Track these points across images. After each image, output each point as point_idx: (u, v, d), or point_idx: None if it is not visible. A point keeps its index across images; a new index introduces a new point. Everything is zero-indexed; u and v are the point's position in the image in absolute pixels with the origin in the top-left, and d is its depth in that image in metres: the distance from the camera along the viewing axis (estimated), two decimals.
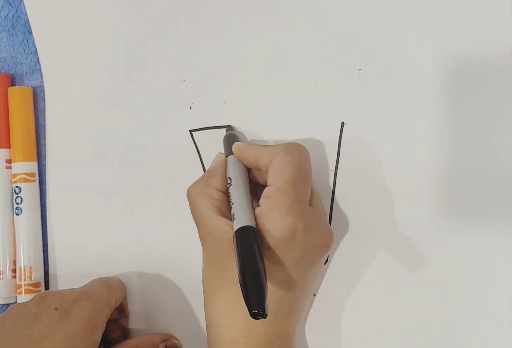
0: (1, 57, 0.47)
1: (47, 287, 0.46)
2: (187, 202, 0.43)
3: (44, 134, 0.46)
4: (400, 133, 0.38)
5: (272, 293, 0.33)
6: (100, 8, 0.44)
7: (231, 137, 0.39)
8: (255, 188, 0.38)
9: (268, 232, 0.32)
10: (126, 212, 0.44)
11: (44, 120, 0.46)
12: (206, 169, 0.42)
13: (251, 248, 0.30)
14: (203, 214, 0.35)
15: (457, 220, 0.37)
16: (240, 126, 0.42)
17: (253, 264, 0.30)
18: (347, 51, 0.39)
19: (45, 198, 0.46)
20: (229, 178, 0.36)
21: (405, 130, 0.38)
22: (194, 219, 0.36)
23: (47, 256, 0.46)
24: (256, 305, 0.28)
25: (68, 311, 0.37)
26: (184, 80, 0.43)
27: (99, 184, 0.45)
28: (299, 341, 0.39)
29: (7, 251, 0.45)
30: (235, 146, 0.37)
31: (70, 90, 0.45)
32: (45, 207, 0.46)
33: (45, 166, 0.46)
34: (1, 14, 0.47)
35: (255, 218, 0.33)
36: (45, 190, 0.46)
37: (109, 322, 0.40)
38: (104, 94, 0.45)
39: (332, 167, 0.39)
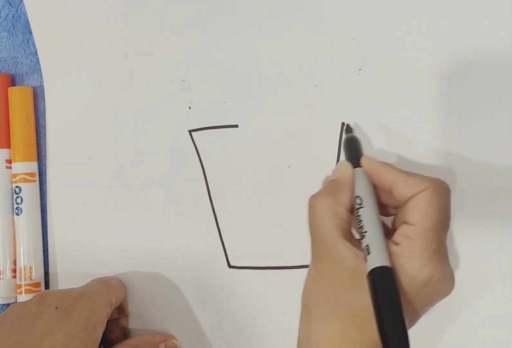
0: (1, 57, 0.47)
1: (47, 287, 0.46)
2: (187, 202, 0.43)
3: (44, 134, 0.46)
4: (400, 133, 0.38)
5: None
6: (99, 8, 0.44)
7: (354, 143, 0.36)
8: None
9: (406, 276, 0.30)
10: (126, 212, 0.44)
11: (44, 120, 0.46)
12: (205, 169, 0.42)
13: (393, 293, 0.29)
14: (326, 233, 0.32)
15: (457, 220, 0.37)
16: (239, 126, 0.42)
17: (397, 314, 0.28)
18: (347, 51, 0.39)
19: (45, 198, 0.46)
20: (358, 196, 0.32)
21: (405, 130, 0.38)
22: (312, 233, 0.33)
23: (47, 256, 0.46)
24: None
25: (68, 310, 0.37)
26: (184, 80, 0.43)
27: (99, 184, 0.45)
28: None
29: (7, 251, 0.45)
30: (367, 162, 0.34)
31: (70, 90, 0.45)
32: (45, 207, 0.46)
33: (45, 167, 0.46)
34: (1, 14, 0.47)
35: (390, 256, 0.31)
36: (45, 190, 0.46)
37: (109, 322, 0.40)
38: (104, 94, 0.45)
39: (333, 168, 0.39)
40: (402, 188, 0.32)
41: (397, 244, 0.31)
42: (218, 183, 0.42)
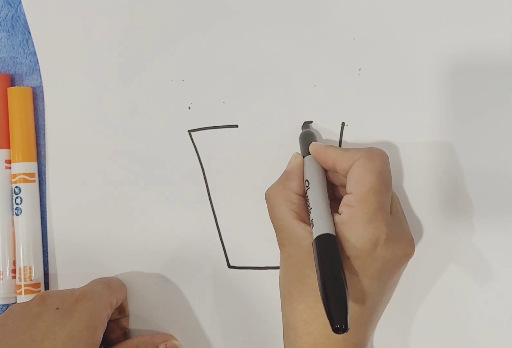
0: (1, 58, 0.47)
1: (47, 287, 0.46)
2: (187, 202, 0.43)
3: (44, 134, 0.46)
4: (400, 133, 0.38)
5: (351, 303, 0.32)
6: (99, 8, 0.44)
7: (308, 136, 0.38)
8: (331, 188, 0.37)
9: (349, 242, 0.32)
10: (126, 212, 0.44)
11: (44, 121, 0.46)
12: (205, 170, 0.42)
13: (333, 258, 0.30)
14: (282, 219, 0.34)
15: (457, 219, 0.37)
16: (239, 126, 0.42)
17: (336, 276, 0.29)
18: (347, 51, 0.39)
19: (45, 198, 0.46)
20: (306, 180, 0.35)
21: (405, 130, 0.38)
22: (272, 222, 0.36)
23: (47, 256, 0.46)
24: (338, 320, 0.28)
25: (69, 311, 0.37)
26: (183, 80, 0.43)
27: (99, 184, 0.45)
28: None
29: (6, 251, 0.45)
30: (313, 147, 0.36)
31: (69, 90, 0.45)
32: (45, 207, 0.46)
33: (44, 167, 0.46)
34: (1, 14, 0.47)
35: (335, 226, 0.32)
36: (45, 190, 0.46)
37: (109, 322, 0.40)
38: (103, 94, 0.45)
39: None
40: (341, 163, 0.34)
41: (339, 213, 0.33)
42: (218, 183, 0.42)
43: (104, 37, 0.44)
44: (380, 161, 0.33)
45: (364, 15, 0.39)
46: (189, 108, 0.43)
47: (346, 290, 0.29)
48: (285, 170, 0.37)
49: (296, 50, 0.40)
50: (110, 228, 0.44)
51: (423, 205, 0.38)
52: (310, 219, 0.33)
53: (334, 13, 0.39)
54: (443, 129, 0.37)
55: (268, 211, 0.36)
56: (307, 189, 0.34)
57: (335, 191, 0.37)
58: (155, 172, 0.43)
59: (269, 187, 0.36)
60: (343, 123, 0.39)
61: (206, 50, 0.42)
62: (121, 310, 0.43)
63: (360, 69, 0.39)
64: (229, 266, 0.42)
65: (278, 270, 0.40)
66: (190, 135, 0.43)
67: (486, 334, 0.37)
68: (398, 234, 0.33)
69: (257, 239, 0.41)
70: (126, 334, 0.43)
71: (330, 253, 0.30)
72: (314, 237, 0.31)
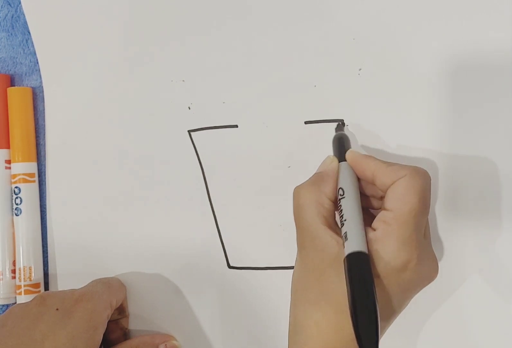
0: (1, 58, 0.47)
1: (46, 287, 0.46)
2: (187, 202, 0.43)
3: (44, 134, 0.46)
4: (400, 133, 0.38)
5: None
6: (99, 8, 0.44)
7: (342, 139, 0.37)
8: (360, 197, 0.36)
9: (381, 261, 0.31)
10: (126, 212, 0.44)
11: (44, 121, 0.46)
12: (204, 170, 0.42)
13: (366, 279, 0.29)
14: (310, 221, 0.33)
15: (457, 219, 0.37)
16: (239, 126, 0.41)
17: (368, 298, 0.29)
18: (347, 51, 0.39)
19: (45, 198, 0.46)
20: (341, 188, 0.34)
21: (406, 130, 0.38)
22: (296, 221, 0.35)
23: (47, 256, 0.46)
24: (368, 343, 0.27)
25: (70, 311, 0.37)
26: (183, 81, 0.43)
27: (99, 184, 0.45)
28: None
29: (6, 251, 0.45)
30: (351, 155, 0.35)
31: (69, 90, 0.45)
32: (45, 208, 0.46)
33: (44, 167, 0.46)
34: (0, 14, 0.47)
35: (368, 242, 0.32)
36: (45, 190, 0.46)
37: (109, 322, 0.40)
38: (103, 94, 0.45)
39: None
40: (382, 177, 0.33)
41: (374, 230, 0.32)
42: (218, 183, 0.42)
43: (104, 37, 0.44)
44: (425, 183, 0.33)
45: (364, 15, 0.39)
46: (189, 108, 0.43)
47: (378, 310, 0.28)
48: (319, 172, 0.36)
49: (296, 50, 0.40)
50: (110, 228, 0.44)
51: None
52: (343, 232, 0.32)
53: (334, 13, 0.39)
54: (443, 129, 0.37)
55: (294, 209, 0.35)
56: (341, 198, 0.33)
57: (362, 200, 0.36)
58: (155, 172, 0.43)
59: (299, 184, 0.35)
60: (343, 123, 0.39)
61: (206, 50, 0.42)
62: (121, 311, 0.43)
63: (360, 69, 0.39)
64: (229, 266, 0.42)
65: (278, 270, 0.41)
66: (190, 135, 0.43)
67: (486, 333, 0.37)
68: (427, 258, 0.33)
69: (257, 239, 0.41)
70: (126, 335, 0.43)
71: (363, 273, 0.30)
72: (347, 252, 0.31)
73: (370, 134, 0.39)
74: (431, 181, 0.33)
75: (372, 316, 0.28)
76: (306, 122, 0.40)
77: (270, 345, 0.41)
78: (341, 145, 0.37)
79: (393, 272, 0.31)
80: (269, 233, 0.41)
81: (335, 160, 0.36)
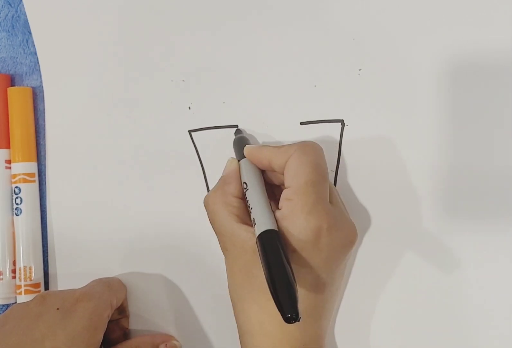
0: (1, 57, 0.47)
1: (46, 287, 0.46)
2: (187, 202, 0.43)
3: (44, 134, 0.46)
4: (401, 133, 0.38)
5: (302, 296, 0.32)
6: (99, 8, 0.44)
7: (241, 140, 0.39)
8: (272, 190, 0.37)
9: (292, 235, 0.32)
10: (126, 212, 0.44)
11: (44, 121, 0.46)
12: (205, 170, 0.42)
13: (276, 252, 0.30)
14: (223, 223, 0.35)
15: (457, 220, 0.37)
16: (239, 126, 0.42)
17: (281, 268, 0.29)
18: (347, 51, 0.39)
19: (45, 198, 0.46)
20: (244, 182, 0.35)
21: (406, 130, 0.38)
22: (213, 228, 0.36)
23: (47, 256, 0.46)
24: (288, 309, 0.28)
25: (70, 311, 0.37)
26: (183, 81, 0.43)
27: (99, 184, 0.45)
28: (329, 342, 0.39)
29: (6, 251, 0.45)
30: (247, 150, 0.37)
31: (69, 90, 0.45)
32: (45, 207, 0.46)
33: (44, 167, 0.46)
34: (1, 14, 0.47)
35: (277, 221, 0.33)
36: (45, 190, 0.46)
37: (109, 322, 0.40)
38: (103, 94, 0.45)
39: (333, 168, 0.39)
40: (276, 160, 0.34)
41: (279, 208, 0.33)
42: None
43: (105, 37, 0.44)
44: (314, 153, 0.34)
45: (364, 15, 0.39)
46: (189, 108, 0.43)
47: (294, 280, 0.29)
48: (221, 176, 0.37)
49: (296, 50, 0.40)
50: (110, 228, 0.44)
51: (423, 205, 0.38)
52: (252, 219, 0.33)
53: (334, 14, 0.39)
54: (443, 129, 0.37)
55: (208, 217, 0.36)
56: (246, 191, 0.35)
57: (275, 192, 0.37)
58: (155, 172, 0.43)
59: (207, 193, 0.37)
60: (343, 123, 0.39)
61: (206, 51, 0.42)
62: (121, 310, 0.43)
63: (360, 69, 0.39)
64: None
65: None
66: (190, 135, 0.43)
67: (486, 333, 0.37)
68: (340, 222, 0.33)
69: None
70: (126, 335, 0.43)
71: (274, 248, 0.30)
72: (257, 234, 0.31)
73: (370, 134, 0.39)
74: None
75: (288, 284, 0.29)
76: (304, 123, 0.40)
77: None
78: (240, 145, 0.38)
79: (307, 243, 0.32)
80: None
81: (234, 160, 0.38)
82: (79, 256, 0.45)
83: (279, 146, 0.35)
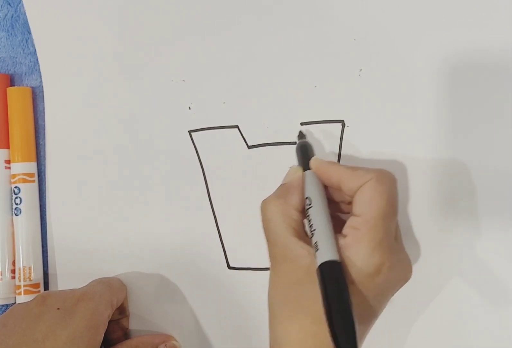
0: (0, 57, 0.47)
1: (46, 287, 0.46)
2: (187, 203, 0.42)
3: (43, 134, 0.46)
4: (401, 134, 0.38)
5: None
6: (99, 8, 0.44)
7: (305, 148, 0.37)
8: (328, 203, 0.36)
9: (353, 267, 0.31)
10: (126, 212, 0.44)
11: (43, 121, 0.46)
12: (205, 170, 0.42)
13: (338, 285, 0.29)
14: (279, 234, 0.33)
15: (457, 219, 0.37)
16: (239, 127, 0.41)
17: (342, 303, 0.29)
18: (347, 52, 0.39)
19: (44, 198, 0.46)
20: (307, 198, 0.34)
21: (406, 130, 0.38)
22: (266, 236, 0.35)
23: (47, 256, 0.46)
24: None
25: (71, 311, 0.37)
26: (184, 80, 0.43)
27: (98, 184, 0.45)
28: None
29: (6, 251, 0.45)
30: (315, 163, 0.35)
31: (69, 90, 0.45)
32: (44, 208, 0.46)
33: (44, 167, 0.46)
34: (0, 14, 0.47)
35: (339, 249, 0.31)
36: (44, 190, 0.46)
37: (109, 322, 0.40)
38: (103, 94, 0.44)
39: None
40: (348, 183, 0.33)
41: (345, 236, 0.32)
42: (218, 184, 0.42)
43: (105, 37, 0.44)
44: (391, 185, 0.33)
45: (364, 16, 0.39)
46: (190, 108, 0.43)
47: (355, 318, 0.28)
48: (283, 184, 0.36)
49: (296, 50, 0.40)
50: (110, 228, 0.44)
51: (422, 206, 0.38)
52: (313, 242, 0.32)
53: (334, 14, 0.39)
54: (443, 129, 0.37)
55: (263, 223, 0.35)
56: (309, 208, 0.33)
57: (331, 206, 0.36)
58: (155, 172, 0.43)
59: (265, 198, 0.35)
60: (343, 124, 0.39)
61: (207, 51, 0.42)
62: (122, 311, 0.43)
63: (360, 70, 0.39)
64: (229, 267, 0.42)
65: None
66: (190, 135, 0.43)
67: (485, 333, 0.37)
68: (400, 260, 0.33)
69: (257, 239, 0.41)
70: (126, 335, 0.43)
71: (336, 281, 0.30)
72: (319, 262, 0.30)
73: (370, 135, 0.39)
74: (398, 184, 0.33)
75: (348, 322, 0.28)
76: (304, 123, 0.40)
77: None
78: (304, 154, 0.37)
79: (367, 277, 0.31)
80: None
81: (299, 170, 0.36)
82: (79, 256, 0.45)
83: (353, 168, 0.34)
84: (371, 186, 0.32)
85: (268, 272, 0.41)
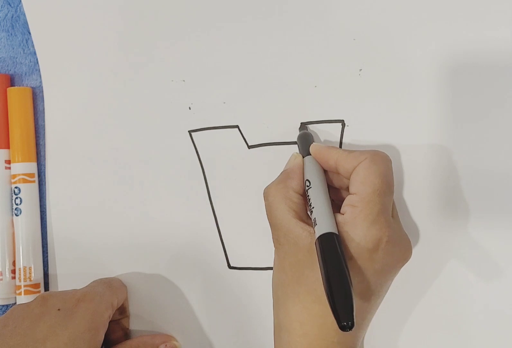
0: (0, 58, 0.47)
1: (46, 287, 0.46)
2: (187, 203, 0.42)
3: (44, 134, 0.46)
4: (401, 134, 0.38)
5: None
6: (99, 8, 0.44)
7: (306, 136, 0.38)
8: (329, 190, 0.37)
9: (352, 242, 0.32)
10: (126, 212, 0.44)
11: (44, 121, 0.46)
12: (205, 170, 0.42)
13: (336, 256, 0.30)
14: (280, 217, 0.34)
15: (457, 219, 0.37)
16: (239, 126, 0.42)
17: (340, 275, 0.29)
18: (347, 52, 0.39)
19: (45, 199, 0.46)
20: (307, 180, 0.35)
21: (406, 130, 0.38)
22: (269, 220, 0.35)
23: (47, 256, 0.46)
24: (345, 317, 0.27)
25: (71, 312, 0.37)
26: (184, 81, 0.43)
27: (99, 184, 0.45)
28: None
29: (6, 251, 0.45)
30: (314, 148, 0.36)
31: (69, 90, 0.45)
32: (45, 208, 0.46)
33: (44, 167, 0.46)
34: (0, 14, 0.47)
35: (337, 225, 0.32)
36: (45, 191, 0.46)
37: (110, 323, 0.40)
38: (103, 94, 0.44)
39: None
40: (345, 164, 0.34)
41: (342, 213, 0.33)
42: (218, 183, 0.42)
43: (104, 37, 0.44)
44: (385, 164, 0.34)
45: (364, 15, 0.39)
46: (190, 108, 0.43)
47: (351, 287, 0.29)
48: (284, 170, 0.37)
49: (296, 50, 0.40)
50: (110, 228, 0.44)
51: (422, 205, 0.38)
52: (312, 218, 0.33)
53: (334, 14, 0.39)
54: (443, 129, 0.37)
55: (266, 208, 0.36)
56: (308, 189, 0.34)
57: (332, 193, 0.37)
58: (155, 172, 0.43)
59: (269, 184, 0.36)
60: (343, 124, 0.39)
61: (207, 51, 0.42)
62: (122, 311, 0.43)
63: (360, 69, 0.39)
64: (229, 267, 0.42)
65: None
66: (191, 135, 0.43)
67: (483, 335, 0.37)
68: (398, 237, 0.33)
69: (257, 239, 0.41)
70: (126, 335, 0.43)
71: (334, 252, 0.30)
72: (317, 235, 0.31)
73: (371, 134, 0.39)
74: (392, 164, 0.35)
75: (347, 292, 0.28)
76: (304, 123, 0.40)
77: (270, 345, 0.41)
78: (305, 141, 0.38)
79: (365, 252, 0.32)
80: (269, 233, 0.41)
81: (299, 156, 0.37)
82: (79, 256, 0.45)
83: (349, 151, 0.35)
84: (366, 165, 0.33)
85: (268, 271, 0.41)
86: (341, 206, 0.34)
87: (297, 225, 0.33)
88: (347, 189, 0.35)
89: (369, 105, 0.39)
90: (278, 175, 0.37)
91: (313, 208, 0.33)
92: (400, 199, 0.38)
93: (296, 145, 0.40)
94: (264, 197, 0.36)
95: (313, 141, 0.38)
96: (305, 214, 0.35)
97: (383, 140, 0.38)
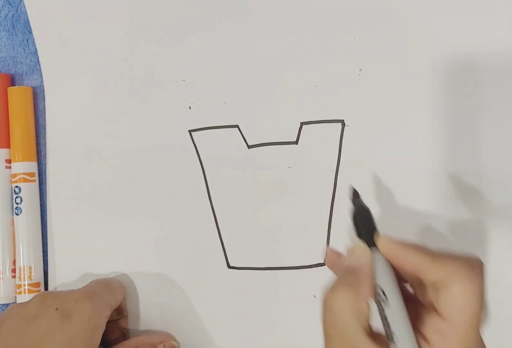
0: (1, 57, 0.47)
1: (46, 287, 0.46)
2: (187, 202, 0.42)
3: (44, 134, 0.46)
4: (401, 134, 0.38)
5: None
6: (100, 8, 0.44)
7: (366, 215, 0.31)
8: None
9: None
10: (126, 212, 0.44)
11: (44, 120, 0.46)
12: (205, 170, 0.42)
13: None
14: (348, 334, 0.28)
15: (457, 219, 0.37)
16: (239, 126, 0.41)
17: None
18: (347, 52, 0.39)
19: (45, 198, 0.46)
20: (380, 288, 0.29)
21: (406, 130, 0.38)
22: (327, 330, 0.29)
23: (47, 255, 0.46)
24: None
25: (69, 311, 0.37)
26: (184, 80, 0.43)
27: (99, 184, 0.45)
28: None
29: (6, 251, 0.45)
30: (386, 246, 0.30)
31: (70, 90, 0.45)
32: (45, 207, 0.46)
33: (45, 166, 0.46)
34: (1, 14, 0.47)
35: None
36: (45, 190, 0.46)
37: (108, 323, 0.40)
38: (104, 94, 0.44)
39: (333, 168, 0.39)
40: (430, 275, 0.28)
41: (428, 341, 0.28)
42: (218, 183, 0.42)
43: (105, 36, 0.44)
44: (483, 280, 0.28)
45: (365, 15, 0.39)
46: (190, 108, 0.43)
47: None
48: (350, 267, 0.30)
49: (296, 50, 0.40)
50: (110, 228, 0.44)
51: (423, 205, 0.38)
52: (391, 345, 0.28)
53: (334, 14, 0.39)
54: (443, 129, 0.37)
55: (326, 317, 0.29)
56: (383, 302, 0.28)
57: None
58: (155, 172, 0.43)
59: (329, 286, 0.29)
60: (343, 124, 0.39)
61: (207, 50, 0.42)
62: (120, 311, 0.43)
63: (360, 69, 0.39)
64: (229, 267, 0.42)
65: (278, 271, 0.41)
66: (191, 135, 0.43)
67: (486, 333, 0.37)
68: None
69: (257, 239, 0.41)
70: (125, 335, 0.43)
71: None
72: None
73: (370, 134, 0.39)
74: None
75: None
76: (304, 123, 0.40)
77: (270, 345, 0.41)
78: (365, 225, 0.31)
79: None
80: (269, 233, 0.41)
81: (367, 251, 0.30)
82: (78, 255, 0.45)
83: (432, 253, 0.28)
84: (463, 287, 0.27)
85: (268, 271, 0.41)
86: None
87: (368, 345, 0.27)
88: (422, 294, 0.30)
89: (369, 105, 0.39)
90: (340, 273, 0.30)
91: (393, 332, 0.27)
92: (400, 198, 0.38)
93: (296, 145, 0.40)
94: (326, 304, 0.29)
95: (375, 223, 0.31)
96: (370, 327, 0.28)
97: (383, 140, 0.38)
